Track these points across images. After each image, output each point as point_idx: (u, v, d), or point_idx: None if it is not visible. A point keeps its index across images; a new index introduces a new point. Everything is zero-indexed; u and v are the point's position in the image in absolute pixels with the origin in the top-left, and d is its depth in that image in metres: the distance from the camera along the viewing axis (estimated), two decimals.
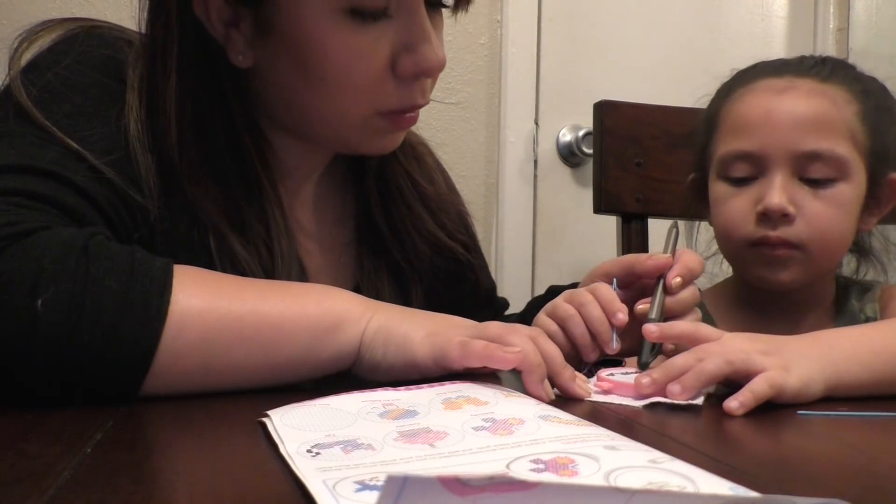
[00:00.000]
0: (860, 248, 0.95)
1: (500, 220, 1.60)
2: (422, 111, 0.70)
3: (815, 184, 0.84)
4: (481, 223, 1.56)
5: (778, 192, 0.82)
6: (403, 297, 0.80)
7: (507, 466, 0.37)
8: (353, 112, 0.66)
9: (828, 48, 1.76)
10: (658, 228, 1.27)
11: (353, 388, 0.51)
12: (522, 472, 0.36)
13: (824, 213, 0.83)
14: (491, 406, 0.48)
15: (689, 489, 0.33)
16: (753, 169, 0.86)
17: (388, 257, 0.79)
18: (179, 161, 0.63)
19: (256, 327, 0.54)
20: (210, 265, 0.64)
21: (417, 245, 0.79)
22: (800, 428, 0.53)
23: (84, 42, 0.65)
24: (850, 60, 0.95)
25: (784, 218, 0.83)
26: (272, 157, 0.71)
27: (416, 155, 0.83)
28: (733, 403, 0.55)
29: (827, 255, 0.87)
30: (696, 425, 0.53)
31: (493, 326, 0.58)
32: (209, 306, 0.53)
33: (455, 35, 1.56)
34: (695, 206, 0.99)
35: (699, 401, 0.57)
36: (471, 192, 1.54)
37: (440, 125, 1.55)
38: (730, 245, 0.89)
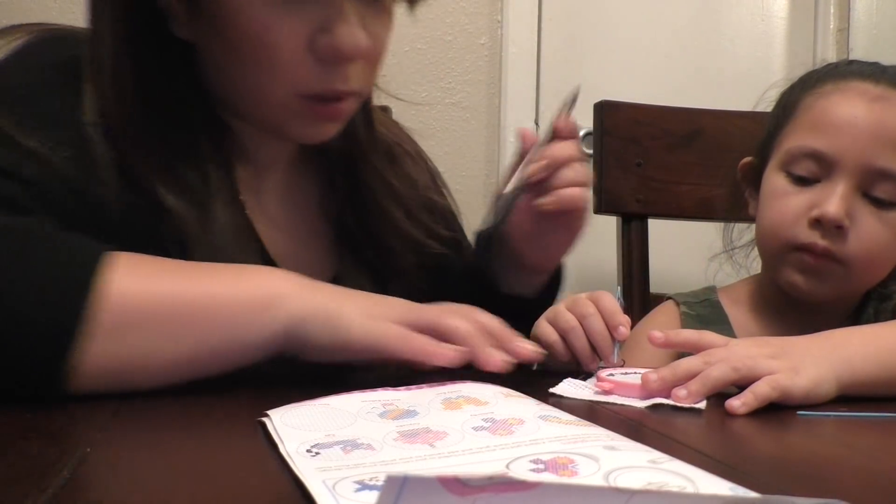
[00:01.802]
0: None
1: None
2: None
3: (877, 203, 0.80)
4: (481, 223, 1.56)
5: (837, 201, 0.79)
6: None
7: (507, 466, 0.37)
8: (270, 91, 0.64)
9: (828, 49, 1.76)
10: (658, 229, 1.28)
11: (353, 388, 0.51)
12: (522, 472, 0.36)
13: (879, 235, 0.80)
14: (491, 406, 0.48)
15: (689, 489, 0.33)
16: (819, 170, 0.81)
17: (366, 254, 0.79)
18: (118, 119, 0.61)
19: (178, 309, 0.53)
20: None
21: (392, 244, 0.79)
22: (800, 428, 0.53)
23: (44, 45, 0.65)
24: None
25: (837, 230, 0.79)
26: (232, 140, 0.70)
27: (391, 156, 0.82)
28: (735, 403, 0.55)
29: (867, 277, 0.84)
30: (698, 426, 0.53)
31: (431, 310, 0.58)
32: (132, 291, 0.52)
33: (455, 35, 1.56)
34: (738, 191, 0.95)
35: (702, 404, 0.57)
36: (471, 192, 1.54)
37: (440, 125, 1.55)
38: (772, 243, 0.86)
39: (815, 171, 0.82)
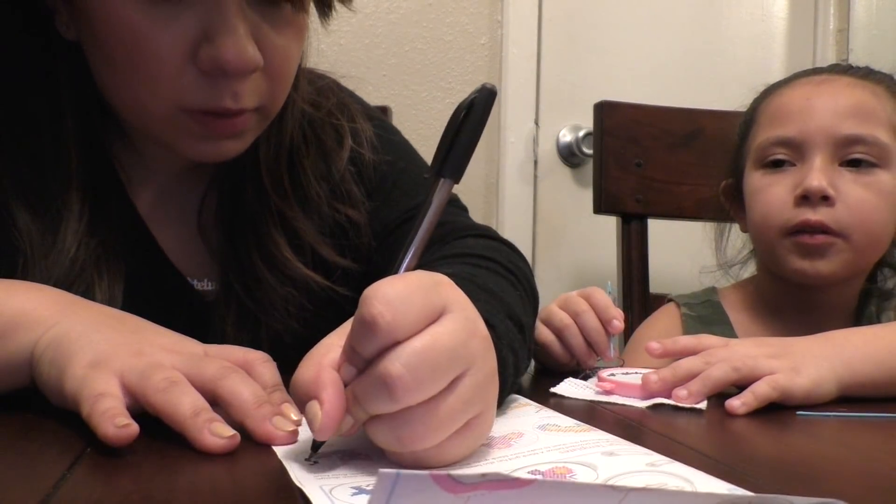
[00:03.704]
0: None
1: (500, 220, 1.59)
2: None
3: (856, 166, 0.82)
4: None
5: (818, 173, 0.81)
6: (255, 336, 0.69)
7: None
8: (150, 103, 0.57)
9: (828, 49, 1.76)
10: (658, 228, 1.28)
11: None
12: None
13: (866, 199, 0.82)
14: None
15: (687, 489, 0.33)
16: (792, 154, 0.85)
17: (241, 278, 0.68)
18: None
19: None
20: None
21: (265, 276, 0.68)
22: (800, 428, 0.53)
23: None
24: (850, 62, 0.96)
25: (824, 201, 0.81)
26: (129, 150, 0.66)
27: (292, 176, 0.71)
28: (735, 403, 0.55)
29: (869, 244, 0.84)
30: (698, 426, 0.53)
31: (168, 362, 0.45)
32: None
33: (455, 35, 1.56)
34: (727, 212, 0.98)
35: (703, 404, 0.57)
36: (471, 192, 1.54)
37: (440, 125, 1.55)
38: (767, 235, 0.86)
39: (788, 155, 0.85)
